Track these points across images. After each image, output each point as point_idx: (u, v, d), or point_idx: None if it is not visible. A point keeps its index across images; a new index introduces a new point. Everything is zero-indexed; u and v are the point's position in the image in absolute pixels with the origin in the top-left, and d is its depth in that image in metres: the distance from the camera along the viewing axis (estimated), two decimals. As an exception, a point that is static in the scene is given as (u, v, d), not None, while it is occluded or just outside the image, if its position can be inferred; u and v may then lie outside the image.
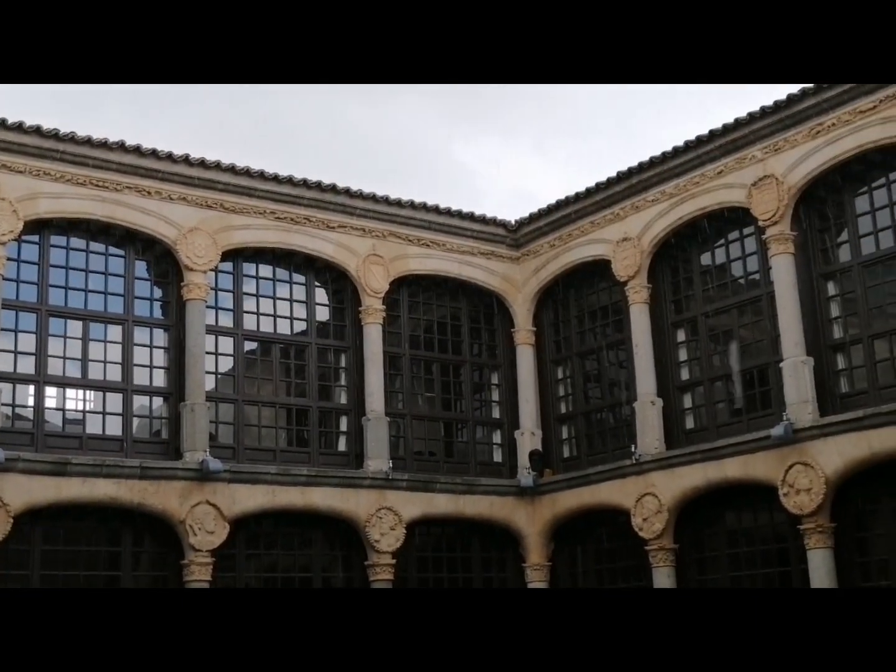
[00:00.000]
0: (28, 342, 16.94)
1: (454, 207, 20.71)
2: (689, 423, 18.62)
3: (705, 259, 18.85)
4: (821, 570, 15.91)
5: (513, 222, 21.26)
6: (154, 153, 17.71)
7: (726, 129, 17.63)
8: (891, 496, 15.89)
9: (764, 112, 17.12)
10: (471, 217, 20.92)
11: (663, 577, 17.97)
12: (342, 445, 19.43)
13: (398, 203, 20.06)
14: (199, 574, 16.87)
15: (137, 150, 17.56)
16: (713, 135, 17.82)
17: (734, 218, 18.11)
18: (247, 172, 18.57)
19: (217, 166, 18.28)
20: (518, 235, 21.30)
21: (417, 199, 20.26)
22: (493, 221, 21.16)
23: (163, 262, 18.21)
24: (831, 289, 16.95)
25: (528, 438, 20.55)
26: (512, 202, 45.25)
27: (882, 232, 16.39)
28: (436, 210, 20.50)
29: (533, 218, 21.03)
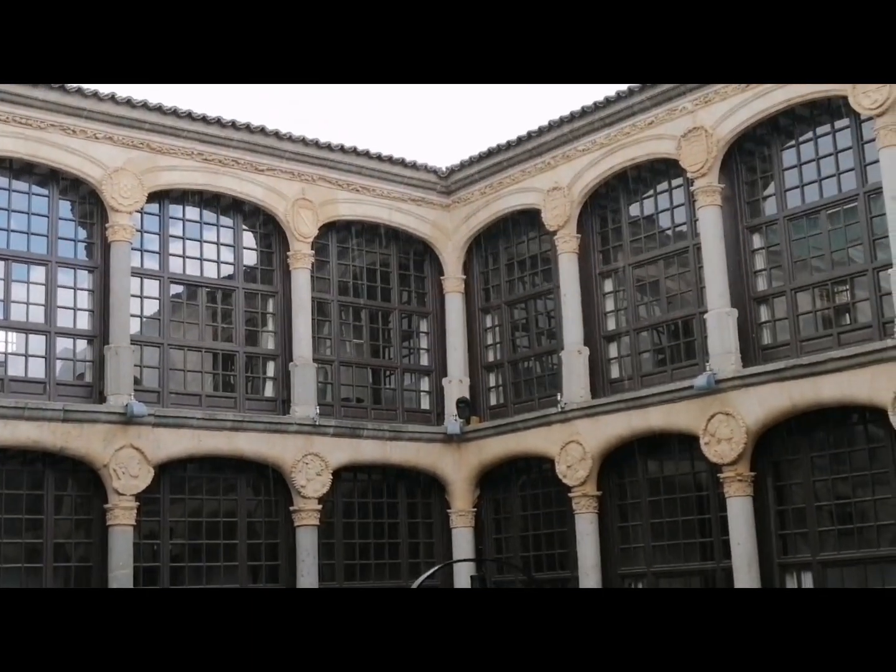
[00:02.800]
0: (-52, 282, 16.61)
1: (385, 153, 20.57)
2: (615, 372, 18.80)
3: (634, 210, 18.95)
4: (739, 519, 16.22)
5: (444, 169, 21.18)
6: (79, 91, 17.33)
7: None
8: (809, 446, 16.22)
9: (695, 64, 17.14)
10: (402, 163, 20.80)
11: (586, 524, 18.22)
12: (269, 391, 19.36)
13: (328, 147, 19.87)
14: (122, 518, 16.78)
15: (62, 88, 17.16)
16: (645, 85, 17.85)
17: (663, 169, 18.23)
18: (174, 112, 18.26)
19: (144, 106, 17.95)
20: (449, 182, 21.24)
21: (348, 144, 20.09)
22: (425, 168, 21.06)
23: (87, 202, 17.90)
24: (757, 241, 17.16)
25: (456, 386, 20.64)
26: (444, 148, 44.99)
27: (808, 186, 16.58)
28: (366, 155, 20.34)
29: (464, 165, 20.97)
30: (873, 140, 15.45)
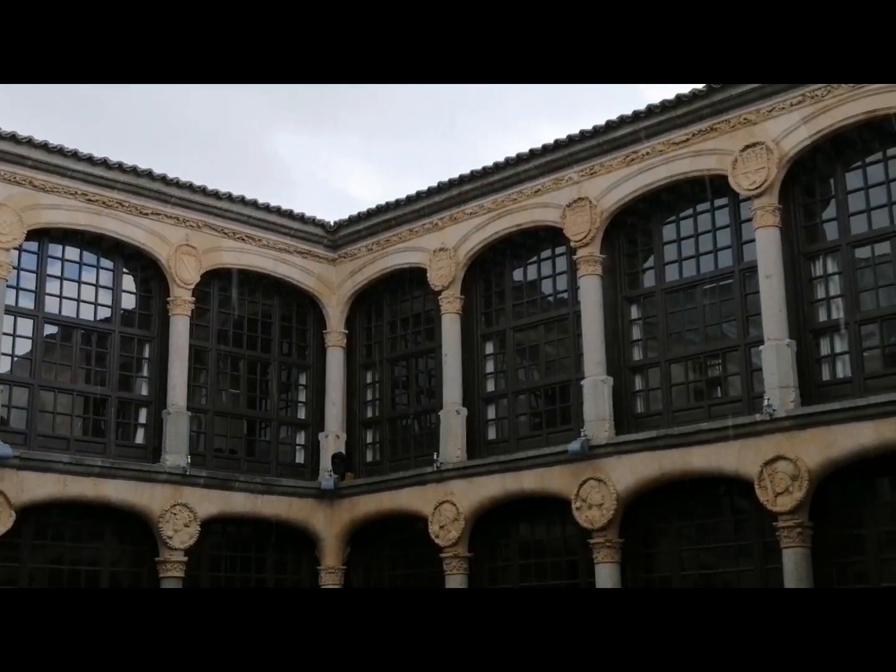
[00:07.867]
0: None
1: (273, 203, 20.51)
2: (492, 433, 18.90)
3: (517, 275, 19.19)
4: (607, 585, 16.33)
5: (331, 223, 21.19)
6: (-39, 122, 16.97)
7: (546, 149, 18.00)
8: (677, 516, 16.46)
9: (583, 135, 17.54)
10: (289, 215, 20.76)
11: (455, 585, 18.15)
12: (140, 438, 18.97)
13: (215, 194, 19.74)
14: (-22, 563, 16.24)
15: (-57, 118, 16.81)
16: (533, 154, 18.16)
17: (548, 237, 18.51)
18: (60, 151, 17.96)
19: (29, 142, 17.63)
20: (336, 237, 21.25)
21: (235, 192, 19.97)
22: (312, 221, 21.05)
23: (-38, 236, 17.45)
24: (634, 312, 17.50)
25: (333, 441, 20.49)
26: (331, 202, 45.13)
27: (685, 261, 17.00)
28: (254, 205, 20.25)
29: (352, 220, 21.01)
30: (750, 220, 15.94)
